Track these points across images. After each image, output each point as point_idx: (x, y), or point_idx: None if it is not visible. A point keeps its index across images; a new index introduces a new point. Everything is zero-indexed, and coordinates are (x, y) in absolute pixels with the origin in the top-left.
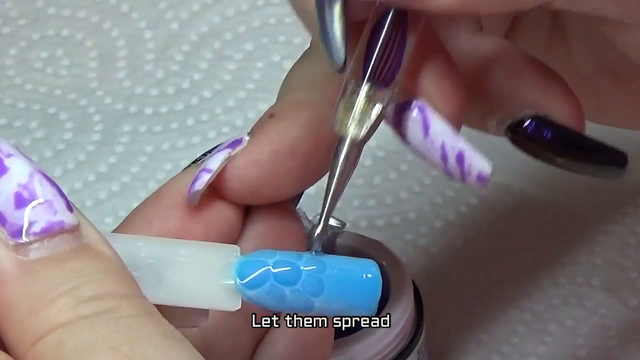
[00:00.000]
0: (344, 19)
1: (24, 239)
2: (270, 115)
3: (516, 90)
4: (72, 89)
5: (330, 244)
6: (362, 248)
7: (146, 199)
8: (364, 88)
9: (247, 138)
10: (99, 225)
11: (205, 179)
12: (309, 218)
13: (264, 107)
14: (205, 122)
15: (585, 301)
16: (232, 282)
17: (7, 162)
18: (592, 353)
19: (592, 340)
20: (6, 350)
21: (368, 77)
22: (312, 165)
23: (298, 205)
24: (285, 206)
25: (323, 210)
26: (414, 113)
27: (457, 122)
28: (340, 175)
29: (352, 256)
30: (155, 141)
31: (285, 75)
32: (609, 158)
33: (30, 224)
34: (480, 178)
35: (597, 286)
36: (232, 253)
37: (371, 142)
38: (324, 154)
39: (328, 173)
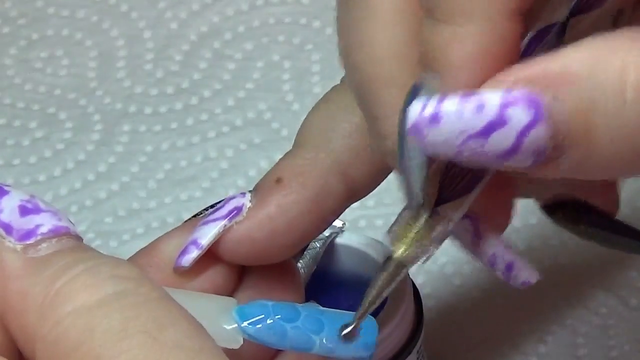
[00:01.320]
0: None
1: (32, 240)
2: (277, 179)
3: (556, 182)
4: (72, 89)
5: (330, 244)
6: (362, 248)
7: (139, 251)
8: (425, 215)
9: (249, 205)
10: (99, 225)
11: (193, 255)
12: None
13: (263, 106)
14: (204, 121)
15: (586, 301)
16: (233, 322)
17: (7, 188)
18: (592, 353)
19: (592, 340)
20: (13, 351)
21: (434, 210)
22: (308, 237)
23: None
24: (283, 261)
25: (358, 314)
26: (466, 223)
27: (504, 230)
28: (382, 288)
29: (352, 256)
30: (154, 141)
31: (306, 116)
32: (637, 237)
33: (37, 226)
34: (525, 284)
35: (597, 286)
36: (230, 301)
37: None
38: (322, 226)
39: (373, 282)
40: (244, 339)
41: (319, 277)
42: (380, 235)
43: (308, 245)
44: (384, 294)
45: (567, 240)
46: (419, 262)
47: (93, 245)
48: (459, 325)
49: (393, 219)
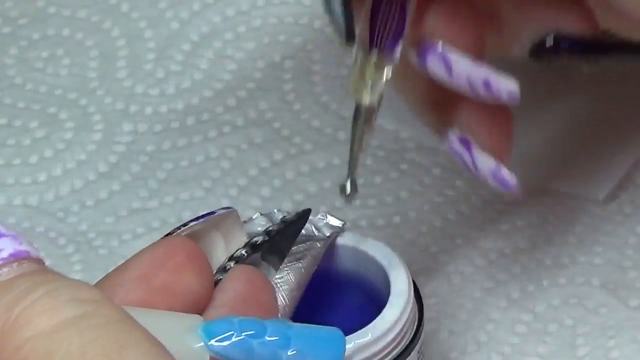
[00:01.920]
0: None
1: None
2: None
3: (527, 15)
4: (73, 89)
5: (331, 244)
6: (362, 248)
7: (112, 270)
8: (373, 57)
9: None
10: (100, 224)
11: None
12: (309, 218)
13: (264, 106)
14: (205, 121)
15: (585, 301)
16: (199, 340)
17: None
18: (592, 353)
19: (592, 340)
20: None
21: (375, 44)
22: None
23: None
24: (257, 276)
25: (349, 170)
26: (433, 55)
27: (478, 53)
28: (360, 137)
29: (352, 256)
30: (155, 141)
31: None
32: (625, 47)
33: None
34: (511, 96)
35: (597, 286)
36: (194, 320)
37: (372, 142)
38: None
39: (351, 136)
40: (210, 357)
41: (319, 277)
42: (380, 235)
43: (282, 260)
44: (365, 144)
45: (567, 240)
46: (380, 101)
47: (94, 245)
48: (460, 325)
49: (394, 219)
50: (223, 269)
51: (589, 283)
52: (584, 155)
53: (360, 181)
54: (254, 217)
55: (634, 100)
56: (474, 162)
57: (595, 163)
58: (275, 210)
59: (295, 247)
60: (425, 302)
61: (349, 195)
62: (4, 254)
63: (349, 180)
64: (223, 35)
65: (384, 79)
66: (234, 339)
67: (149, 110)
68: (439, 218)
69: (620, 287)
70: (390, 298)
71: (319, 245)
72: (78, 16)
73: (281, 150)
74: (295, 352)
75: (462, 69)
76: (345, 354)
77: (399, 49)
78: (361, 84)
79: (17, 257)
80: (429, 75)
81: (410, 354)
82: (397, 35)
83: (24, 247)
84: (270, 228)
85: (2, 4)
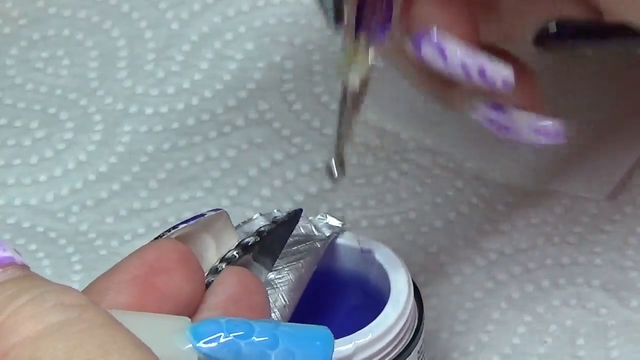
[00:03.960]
0: None
1: None
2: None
3: (528, 2)
4: (73, 89)
5: (330, 244)
6: (362, 248)
7: (103, 273)
8: (360, 40)
9: None
10: (100, 225)
11: None
12: (309, 218)
13: (264, 107)
14: (206, 121)
15: (585, 301)
16: (187, 342)
17: None
18: (592, 353)
19: (592, 340)
20: None
21: (362, 27)
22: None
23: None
24: (248, 277)
25: (335, 150)
26: (427, 43)
27: (472, 40)
28: (347, 119)
29: (352, 256)
30: (156, 141)
31: None
32: (629, 32)
33: None
34: (506, 84)
35: (597, 286)
36: (183, 321)
37: (372, 142)
38: None
39: (337, 117)
40: (199, 358)
41: (320, 277)
42: (380, 235)
43: (274, 261)
44: (350, 126)
45: (567, 240)
46: (366, 84)
47: (94, 245)
48: (460, 325)
49: (394, 219)
50: (214, 271)
51: (589, 284)
52: (584, 155)
53: (360, 181)
54: (254, 218)
55: (634, 100)
56: (509, 124)
57: (596, 163)
58: (275, 211)
59: (295, 247)
60: (425, 302)
61: (335, 177)
62: None
63: (333, 161)
64: (223, 36)
65: (370, 62)
66: (222, 340)
67: (149, 110)
68: (439, 218)
69: (621, 288)
70: (390, 298)
71: (318, 245)
72: (78, 16)
73: (281, 150)
74: (283, 351)
75: (456, 56)
76: (346, 354)
77: (386, 33)
78: (346, 66)
79: (1, 264)
80: (424, 61)
81: (410, 354)
82: (385, 19)
83: (7, 254)
84: (262, 229)
85: (2, 4)
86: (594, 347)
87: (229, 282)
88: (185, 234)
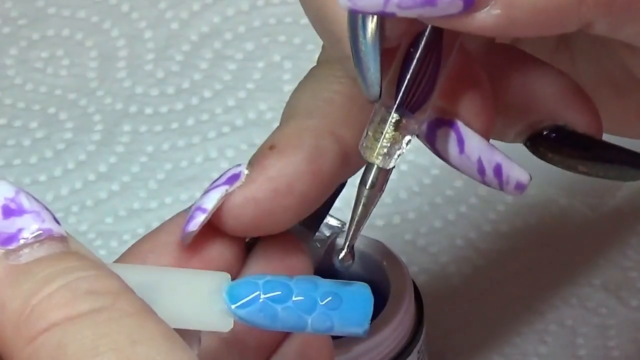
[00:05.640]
0: (379, 45)
1: (14, 245)
2: (270, 146)
3: (533, 100)
4: (73, 89)
5: (330, 244)
6: (362, 248)
7: (145, 235)
8: (394, 117)
9: (246, 172)
10: (99, 225)
11: (199, 219)
12: (328, 222)
13: (264, 107)
14: (205, 122)
15: (586, 301)
16: (224, 303)
17: None
18: (592, 353)
19: (592, 340)
20: None
21: (398, 105)
22: (310, 200)
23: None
24: (290, 240)
25: (347, 237)
26: (449, 131)
27: (488, 136)
28: (366, 203)
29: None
30: (155, 141)
31: (290, 95)
32: (627, 160)
33: (19, 230)
34: (519, 187)
35: (597, 286)
36: (222, 278)
37: None
38: (322, 188)
39: (354, 199)
40: (234, 320)
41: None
42: (380, 235)
43: (320, 222)
44: (374, 206)
45: (567, 240)
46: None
47: (94, 245)
48: (460, 325)
49: (393, 219)
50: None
51: (589, 283)
52: None
53: None
54: None
55: None
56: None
57: None
58: None
59: None
60: (425, 301)
61: (345, 263)
62: (26, 234)
63: (346, 247)
64: (223, 36)
65: (404, 143)
66: (260, 299)
67: (149, 110)
68: (439, 218)
69: (621, 287)
70: (390, 298)
71: (318, 245)
72: (78, 16)
73: None
74: (320, 314)
75: (475, 148)
76: (345, 354)
77: (425, 113)
78: (376, 144)
79: (38, 237)
80: (433, 146)
81: (410, 354)
82: (426, 98)
83: (46, 225)
84: None
85: (2, 4)
86: (594, 347)
87: (270, 246)
88: None
